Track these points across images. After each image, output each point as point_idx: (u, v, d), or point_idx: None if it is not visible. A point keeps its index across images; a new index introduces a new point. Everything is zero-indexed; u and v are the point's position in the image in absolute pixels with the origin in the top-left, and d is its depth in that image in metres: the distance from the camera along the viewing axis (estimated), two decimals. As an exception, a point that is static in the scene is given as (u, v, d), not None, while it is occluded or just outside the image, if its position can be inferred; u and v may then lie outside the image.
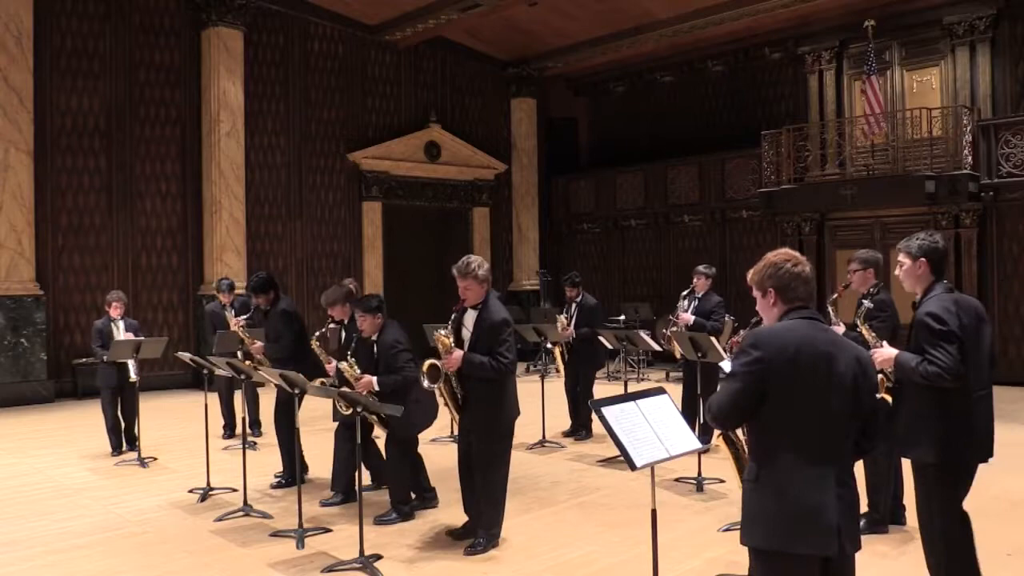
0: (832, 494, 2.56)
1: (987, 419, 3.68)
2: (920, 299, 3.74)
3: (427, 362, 4.96)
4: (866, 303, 5.01)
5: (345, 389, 5.15)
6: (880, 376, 3.80)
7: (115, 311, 7.98)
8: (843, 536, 2.56)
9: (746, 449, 3.01)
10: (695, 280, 7.98)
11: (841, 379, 2.62)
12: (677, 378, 10.54)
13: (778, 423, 2.60)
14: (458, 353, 4.87)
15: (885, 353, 3.74)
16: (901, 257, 3.81)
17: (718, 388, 2.73)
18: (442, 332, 4.97)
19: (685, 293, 8.03)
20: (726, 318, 11.77)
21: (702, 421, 7.11)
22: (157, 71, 12.95)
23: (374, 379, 5.46)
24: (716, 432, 3.14)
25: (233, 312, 8.56)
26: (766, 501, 2.60)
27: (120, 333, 7.89)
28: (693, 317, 7.79)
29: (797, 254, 2.81)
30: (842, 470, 2.63)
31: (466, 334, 4.99)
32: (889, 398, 3.85)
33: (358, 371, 5.53)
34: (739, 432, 3.12)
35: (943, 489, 3.58)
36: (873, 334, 4.23)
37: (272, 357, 6.63)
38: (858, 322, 4.52)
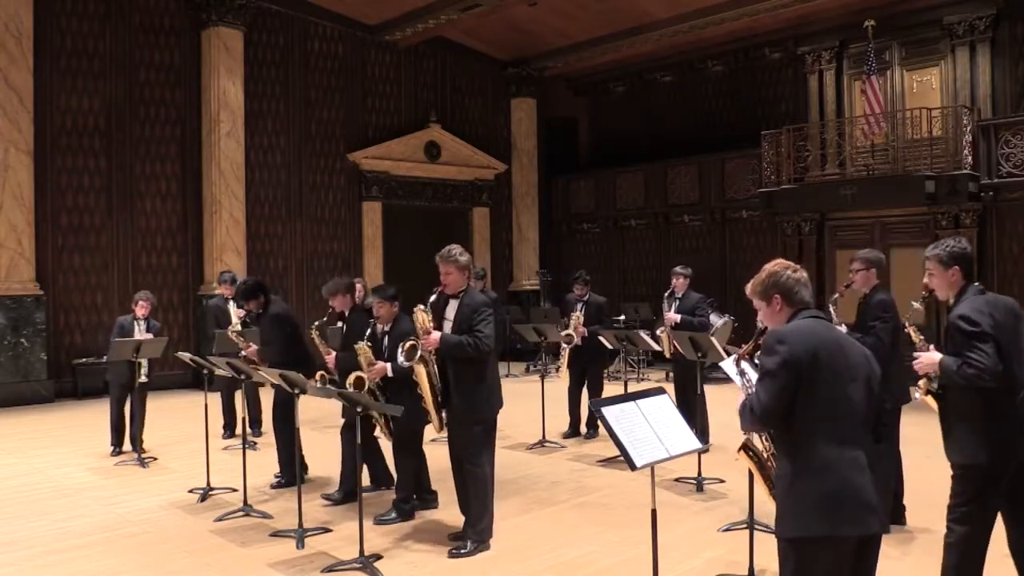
0: (866, 475, 2.69)
1: None
2: (953, 303, 3.70)
3: (407, 340, 5.01)
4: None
5: (345, 390, 5.14)
6: (923, 380, 3.77)
7: (140, 310, 7.98)
8: (881, 514, 2.71)
9: (767, 456, 3.13)
10: (674, 281, 8.22)
11: (855, 370, 2.77)
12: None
13: (807, 414, 2.72)
14: (436, 334, 4.92)
15: (931, 357, 3.67)
16: (931, 265, 3.74)
17: (754, 391, 2.84)
18: (421, 307, 5.00)
19: (667, 295, 8.29)
20: (727, 317, 11.89)
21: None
22: (157, 71, 12.95)
23: (388, 365, 5.49)
24: (737, 449, 3.20)
25: (235, 305, 8.51)
26: (806, 491, 2.70)
27: (140, 333, 7.90)
28: (679, 316, 7.97)
29: (791, 263, 2.99)
30: (867, 454, 2.75)
31: (448, 325, 5.03)
32: (933, 403, 3.77)
33: (373, 356, 5.58)
34: (758, 440, 3.18)
35: (988, 491, 3.55)
36: (921, 336, 4.03)
37: (267, 360, 6.63)
38: (906, 323, 4.27)
